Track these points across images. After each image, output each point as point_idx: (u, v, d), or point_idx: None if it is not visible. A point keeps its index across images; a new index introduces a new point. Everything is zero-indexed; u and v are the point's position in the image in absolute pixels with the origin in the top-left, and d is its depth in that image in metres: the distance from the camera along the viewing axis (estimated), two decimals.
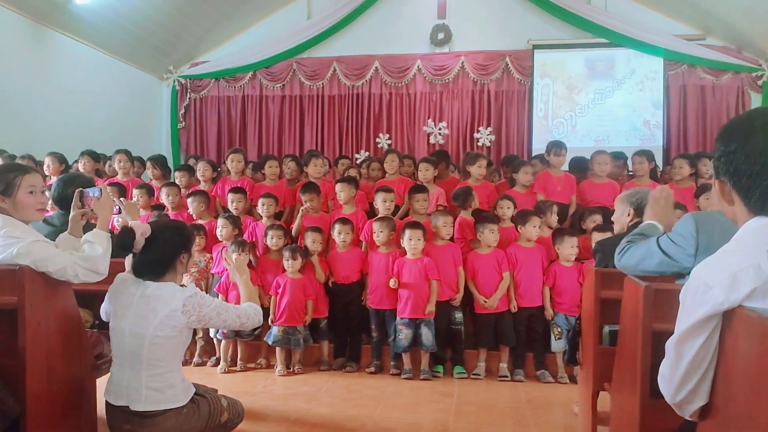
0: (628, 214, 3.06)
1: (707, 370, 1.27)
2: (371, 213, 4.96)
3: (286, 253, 4.35)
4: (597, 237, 3.99)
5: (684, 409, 1.34)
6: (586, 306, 2.92)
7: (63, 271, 2.21)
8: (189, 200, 4.96)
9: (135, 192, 5.15)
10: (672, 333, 1.33)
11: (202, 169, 5.51)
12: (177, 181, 5.52)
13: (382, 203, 4.59)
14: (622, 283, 2.30)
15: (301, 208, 4.78)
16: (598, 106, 8.03)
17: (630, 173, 5.92)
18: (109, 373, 2.39)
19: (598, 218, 4.54)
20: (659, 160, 7.11)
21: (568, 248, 4.24)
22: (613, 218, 3.18)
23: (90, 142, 6.47)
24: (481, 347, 4.37)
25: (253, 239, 4.75)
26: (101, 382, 2.49)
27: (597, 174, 5.19)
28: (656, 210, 2.41)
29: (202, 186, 5.42)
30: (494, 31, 8.29)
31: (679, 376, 1.30)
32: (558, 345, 4.23)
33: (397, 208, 5.05)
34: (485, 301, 4.27)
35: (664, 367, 1.36)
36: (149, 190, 5.23)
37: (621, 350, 2.28)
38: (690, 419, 1.36)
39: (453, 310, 4.35)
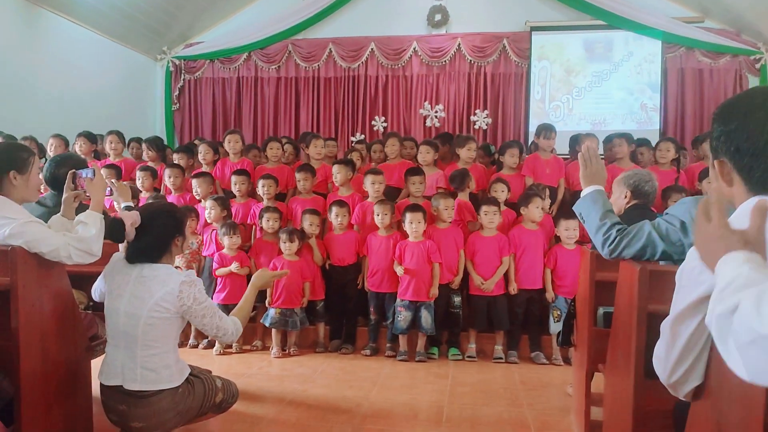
0: (625, 197, 3.06)
1: (702, 351, 1.27)
2: None
3: (284, 236, 4.34)
4: None
5: (678, 389, 1.34)
6: (581, 288, 2.93)
7: (56, 252, 2.19)
8: (195, 182, 4.91)
9: (139, 174, 5.11)
10: (667, 314, 1.33)
11: (203, 152, 5.46)
12: (176, 163, 5.48)
13: (371, 186, 4.58)
14: (616, 265, 2.30)
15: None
16: (596, 89, 7.98)
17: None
18: (104, 354, 2.39)
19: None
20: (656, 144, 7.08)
21: (564, 231, 4.24)
22: (611, 200, 3.17)
23: (84, 123, 6.41)
24: (472, 329, 4.39)
25: (254, 221, 4.76)
26: (96, 364, 2.50)
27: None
28: (590, 170, 2.40)
29: (204, 169, 5.38)
30: (492, 12, 8.20)
31: (674, 357, 1.30)
32: (556, 327, 4.24)
33: (398, 191, 5.05)
34: (482, 283, 4.27)
35: (659, 348, 1.36)
36: (153, 173, 5.20)
37: (615, 331, 2.29)
38: (684, 399, 1.37)
39: (452, 294, 4.36)
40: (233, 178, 4.94)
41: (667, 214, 2.14)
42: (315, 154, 5.31)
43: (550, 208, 4.80)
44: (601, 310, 2.68)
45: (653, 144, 5.62)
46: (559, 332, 4.10)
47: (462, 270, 4.36)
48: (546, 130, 5.16)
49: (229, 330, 2.43)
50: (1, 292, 2.13)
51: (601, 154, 5.58)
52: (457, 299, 4.38)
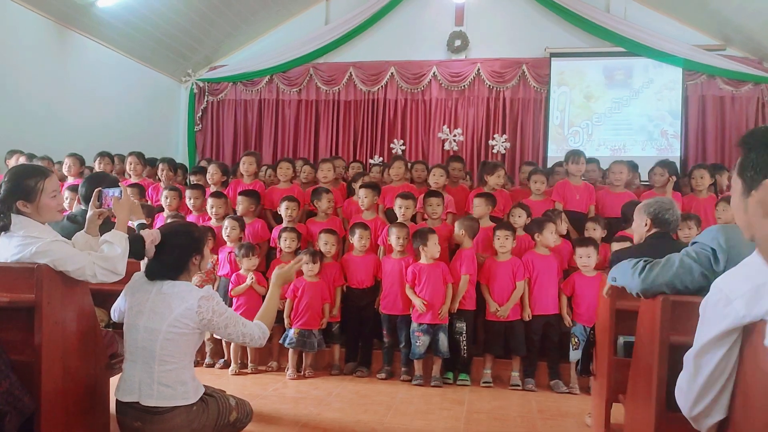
0: (645, 224, 3.03)
1: (726, 384, 1.25)
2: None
3: (306, 257, 4.35)
4: (616, 247, 3.96)
5: (701, 423, 1.32)
6: (601, 316, 2.90)
7: (81, 270, 2.23)
8: (213, 201, 4.92)
9: (166, 194, 5.14)
10: (690, 345, 1.31)
11: (211, 173, 5.50)
12: (198, 184, 5.54)
13: (398, 209, 4.60)
14: None
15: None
16: (615, 115, 7.98)
17: (645, 183, 5.88)
18: (122, 371, 2.41)
19: (598, 227, 4.51)
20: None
21: (578, 259, 4.21)
22: (632, 228, 3.15)
23: (108, 143, 6.56)
24: (488, 354, 4.35)
25: (258, 242, 4.80)
26: (114, 382, 2.52)
27: (613, 183, 5.17)
28: None
29: (212, 189, 5.43)
30: (511, 38, 8.28)
31: (697, 390, 1.28)
32: (575, 355, 4.18)
33: None
34: (497, 310, 4.25)
35: (681, 380, 1.35)
36: (179, 193, 5.25)
37: (636, 362, 2.25)
38: None
39: (455, 320, 4.32)
40: (238, 198, 4.99)
41: (696, 243, 2.11)
42: (322, 178, 5.35)
43: (581, 234, 4.75)
44: (621, 340, 2.64)
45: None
46: (578, 361, 4.05)
47: (461, 293, 4.29)
48: (575, 155, 5.16)
49: (255, 335, 2.43)
50: (26, 309, 2.17)
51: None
52: (459, 325, 4.32)
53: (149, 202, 5.30)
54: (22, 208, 2.26)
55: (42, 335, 2.15)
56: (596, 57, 8.04)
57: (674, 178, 5.24)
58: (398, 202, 4.61)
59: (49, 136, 6.35)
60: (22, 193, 2.26)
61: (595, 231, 4.51)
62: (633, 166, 5.64)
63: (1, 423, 2.02)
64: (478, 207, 4.66)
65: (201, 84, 9.12)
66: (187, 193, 5.17)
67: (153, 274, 2.33)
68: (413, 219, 4.84)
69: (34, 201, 2.27)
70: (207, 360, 4.55)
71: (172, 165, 5.83)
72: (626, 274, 2.22)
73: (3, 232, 2.29)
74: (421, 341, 4.19)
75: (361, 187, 4.99)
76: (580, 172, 5.16)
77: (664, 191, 5.02)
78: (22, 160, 5.67)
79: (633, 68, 7.95)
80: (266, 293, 2.67)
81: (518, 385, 4.19)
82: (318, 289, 4.36)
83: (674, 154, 7.68)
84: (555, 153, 7.77)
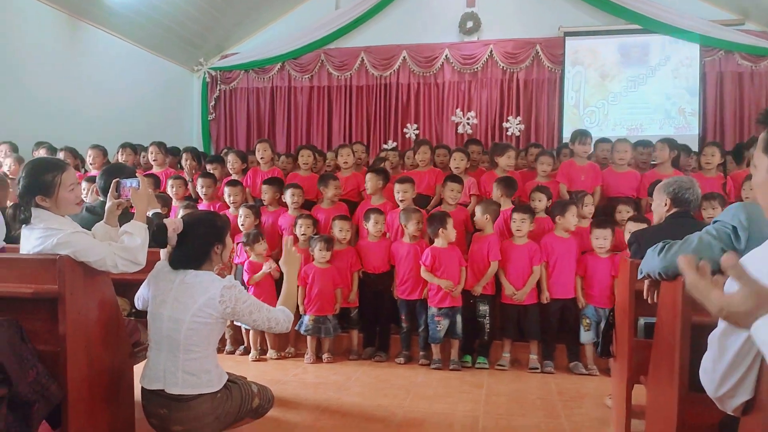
0: (665, 204, 2.99)
1: (752, 365, 1.23)
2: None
3: (320, 244, 4.37)
4: (632, 227, 3.91)
5: (726, 403, 1.30)
6: (620, 298, 2.88)
7: (103, 261, 2.26)
8: (230, 189, 4.97)
9: (171, 182, 5.21)
10: (712, 326, 1.29)
11: (231, 161, 5.55)
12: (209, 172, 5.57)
13: (395, 194, 4.60)
14: None
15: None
16: (632, 94, 7.86)
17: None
18: (146, 359, 2.45)
19: (630, 209, 4.45)
20: (695, 149, 6.92)
21: (595, 240, 4.17)
22: (652, 208, 3.11)
23: (123, 134, 6.60)
24: (505, 338, 4.35)
25: (282, 230, 4.82)
26: (138, 370, 2.56)
27: (617, 163, 5.10)
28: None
29: (234, 177, 5.46)
30: (524, 18, 8.16)
31: (722, 371, 1.26)
32: (587, 336, 4.18)
33: (428, 198, 5.05)
34: (514, 293, 4.24)
35: (706, 361, 1.33)
36: (185, 182, 5.31)
37: (658, 343, 2.24)
38: (732, 414, 1.33)
39: (478, 302, 4.32)
40: (263, 188, 5.01)
41: (717, 221, 2.08)
42: (342, 164, 5.35)
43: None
44: (641, 321, 2.63)
45: (693, 149, 5.50)
46: (597, 342, 4.04)
47: (488, 277, 4.29)
48: (582, 135, 5.10)
49: (280, 320, 2.45)
50: (50, 300, 2.21)
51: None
52: (483, 308, 4.33)
53: (165, 192, 5.34)
54: (40, 202, 2.28)
55: (66, 325, 2.18)
56: (611, 35, 7.90)
57: (676, 152, 5.15)
58: (396, 187, 4.60)
59: (64, 128, 6.40)
60: (40, 189, 2.28)
61: (628, 213, 4.42)
62: (645, 144, 5.55)
63: (30, 411, 2.06)
64: (498, 191, 4.62)
65: (213, 73, 9.13)
66: (199, 181, 5.19)
67: (176, 263, 2.35)
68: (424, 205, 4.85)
69: (52, 195, 2.29)
70: (227, 347, 4.60)
71: (196, 154, 5.86)
72: (648, 259, 2.21)
73: (24, 225, 2.32)
74: (441, 325, 4.20)
75: (367, 172, 4.99)
76: (586, 152, 5.10)
77: (667, 169, 4.93)
78: (42, 152, 5.73)
79: (649, 45, 7.80)
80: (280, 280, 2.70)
81: (537, 368, 4.19)
82: (330, 275, 4.38)
83: (692, 132, 7.57)
84: (570, 134, 7.67)
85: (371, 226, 4.50)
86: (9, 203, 4.03)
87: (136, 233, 2.37)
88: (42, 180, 2.28)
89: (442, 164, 5.56)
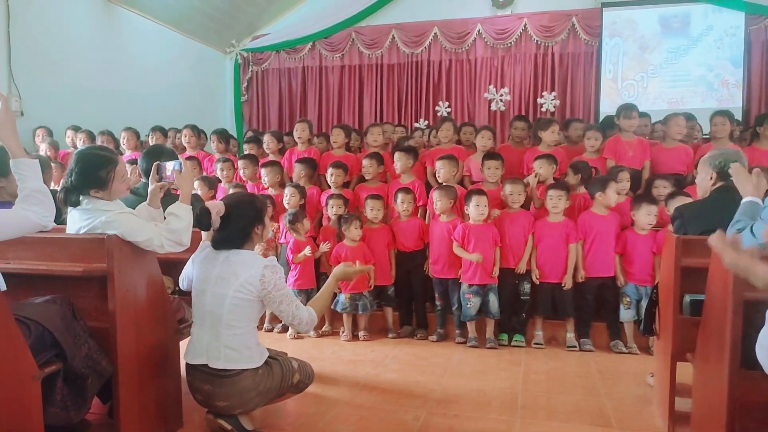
0: (711, 178, 2.90)
1: None
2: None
3: (356, 222, 4.39)
4: (672, 203, 3.82)
5: None
6: (664, 275, 2.82)
7: (150, 241, 2.33)
8: (263, 171, 5.03)
9: (219, 166, 5.25)
10: (765, 301, 1.26)
11: (267, 142, 5.58)
12: (249, 153, 5.61)
13: (437, 172, 4.60)
14: (703, 251, 2.19)
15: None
16: (672, 66, 7.60)
17: (705, 135, 5.61)
18: (190, 336, 2.52)
19: (667, 185, 4.34)
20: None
21: (644, 216, 4.07)
22: (696, 182, 3.03)
23: (157, 116, 6.70)
24: (538, 315, 4.32)
25: (319, 208, 4.84)
26: (182, 347, 2.62)
27: (672, 137, 4.94)
28: (749, 184, 2.31)
29: (271, 158, 5.49)
30: None
31: None
32: (627, 315, 4.12)
33: None
34: (537, 278, 4.20)
35: (763, 337, 1.30)
36: (233, 164, 5.35)
37: (707, 320, 2.19)
38: None
39: (521, 280, 4.29)
40: (296, 166, 5.05)
41: None
42: (372, 142, 5.33)
43: (635, 191, 4.59)
44: (687, 298, 2.57)
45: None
46: (638, 320, 3.98)
47: (527, 255, 4.27)
48: (627, 110, 4.94)
49: (303, 319, 2.52)
50: (99, 278, 2.27)
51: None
52: (527, 286, 4.29)
53: (205, 173, 5.41)
54: (94, 194, 2.36)
55: (115, 302, 2.25)
56: (651, 5, 7.63)
57: (734, 126, 4.98)
58: (437, 164, 4.58)
59: (100, 112, 6.52)
60: (95, 184, 2.36)
61: (665, 189, 4.31)
62: (688, 118, 5.37)
63: (84, 385, 2.14)
64: (541, 168, 4.51)
65: (245, 54, 9.17)
66: (240, 163, 5.26)
67: (219, 244, 2.44)
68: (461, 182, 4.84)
69: (106, 189, 2.38)
70: (266, 325, 4.68)
71: (223, 136, 5.91)
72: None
73: (71, 207, 2.39)
74: (471, 303, 4.19)
75: (394, 150, 4.96)
76: (632, 127, 4.94)
77: (726, 143, 4.77)
78: (81, 137, 5.85)
79: (690, 15, 7.52)
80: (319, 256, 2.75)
81: (575, 346, 4.15)
82: (360, 253, 4.37)
83: (736, 104, 7.29)
84: (608, 108, 7.47)
85: (398, 205, 4.49)
86: (52, 185, 4.15)
87: (182, 215, 2.42)
88: (97, 176, 2.36)
89: (468, 142, 5.49)
